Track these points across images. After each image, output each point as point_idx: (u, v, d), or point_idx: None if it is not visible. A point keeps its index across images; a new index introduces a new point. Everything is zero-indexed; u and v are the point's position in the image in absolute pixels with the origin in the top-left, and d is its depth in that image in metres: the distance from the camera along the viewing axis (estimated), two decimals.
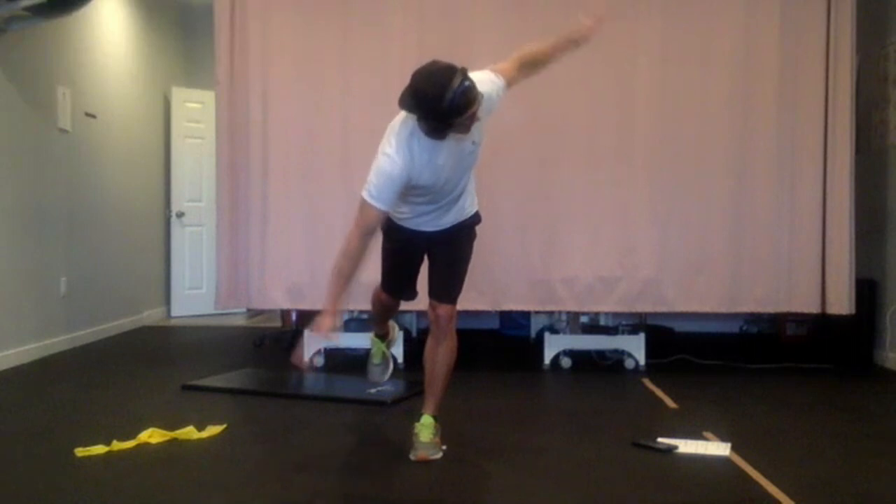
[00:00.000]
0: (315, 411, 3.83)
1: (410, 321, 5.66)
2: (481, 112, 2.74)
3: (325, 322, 2.74)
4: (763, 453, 3.12)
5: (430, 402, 3.14)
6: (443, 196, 2.99)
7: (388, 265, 3.25)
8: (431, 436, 3.06)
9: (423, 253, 3.19)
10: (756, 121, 4.85)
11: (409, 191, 2.88)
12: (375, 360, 3.62)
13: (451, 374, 3.15)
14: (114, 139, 6.45)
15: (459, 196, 3.06)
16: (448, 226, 3.11)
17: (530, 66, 3.10)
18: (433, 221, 3.08)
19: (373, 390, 4.02)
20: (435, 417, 3.11)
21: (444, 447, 3.07)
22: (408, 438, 3.12)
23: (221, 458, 3.06)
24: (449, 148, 2.81)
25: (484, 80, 2.86)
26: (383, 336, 3.57)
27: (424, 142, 2.77)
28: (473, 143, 2.90)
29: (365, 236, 2.82)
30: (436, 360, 3.12)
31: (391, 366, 3.65)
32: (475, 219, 3.20)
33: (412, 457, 3.00)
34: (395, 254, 3.20)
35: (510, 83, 3.01)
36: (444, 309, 3.10)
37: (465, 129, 2.73)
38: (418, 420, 3.12)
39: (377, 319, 3.56)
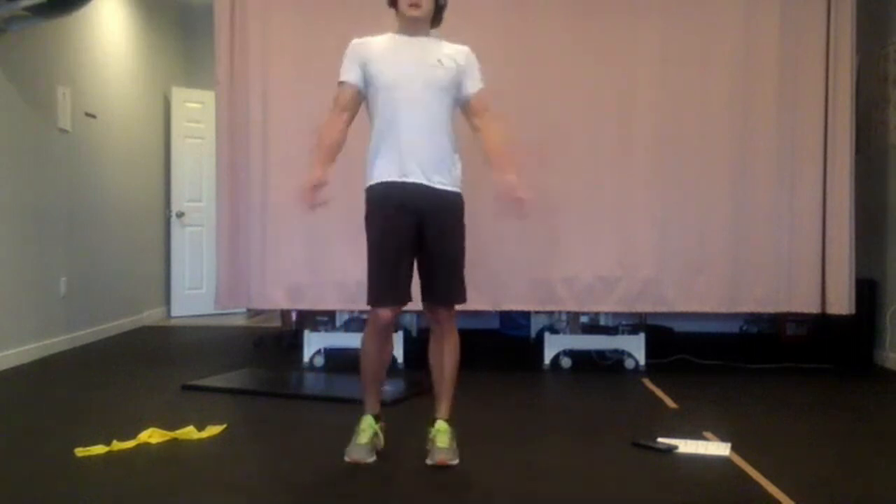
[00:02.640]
0: (315, 411, 3.83)
1: (410, 321, 5.66)
2: (452, 53, 2.99)
3: (305, 191, 2.93)
4: (763, 453, 3.13)
5: (444, 407, 3.09)
6: (410, 109, 2.92)
7: (375, 252, 2.96)
8: (449, 440, 3.01)
9: (412, 235, 2.96)
10: (756, 121, 4.85)
11: (375, 90, 2.98)
12: (362, 438, 3.02)
13: (459, 372, 3.12)
14: (114, 139, 6.45)
15: (433, 130, 2.94)
16: (431, 183, 2.94)
17: (475, 122, 3.09)
18: (407, 163, 2.92)
19: None
20: (449, 421, 3.07)
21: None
22: (407, 438, 3.12)
23: (221, 458, 3.06)
24: (410, 48, 2.99)
25: (470, 54, 3.05)
26: (377, 416, 3.11)
27: (387, 36, 3.04)
28: (439, 61, 2.96)
29: (340, 111, 3.02)
30: (443, 363, 3.07)
31: (379, 447, 3.08)
32: (461, 199, 3.05)
33: (430, 461, 2.95)
34: (382, 235, 2.96)
35: (473, 97, 3.05)
36: (445, 312, 3.06)
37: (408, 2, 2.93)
38: (432, 425, 3.06)
39: (368, 379, 3.11)
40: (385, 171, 2.98)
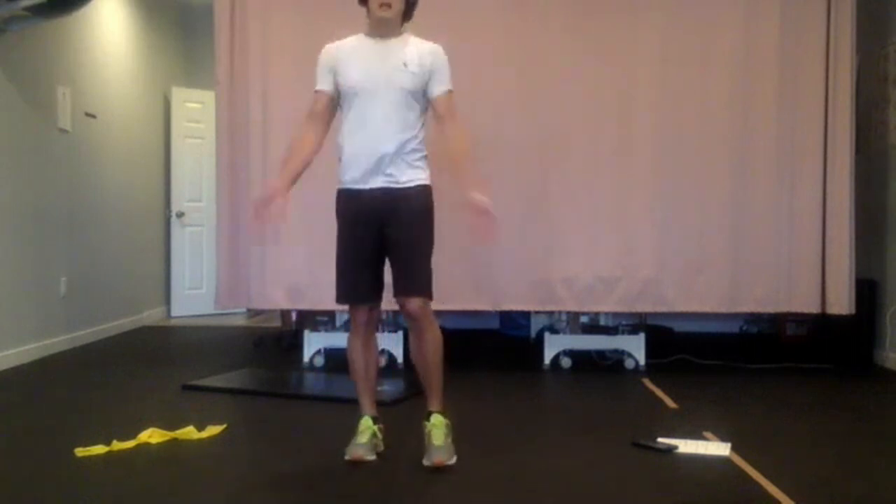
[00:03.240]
0: (315, 411, 3.83)
1: None
2: (415, 49, 2.97)
3: (259, 203, 2.97)
4: (763, 453, 3.13)
5: (434, 399, 3.06)
6: (373, 111, 2.94)
7: (341, 253, 3.06)
8: (444, 436, 2.98)
9: (375, 237, 3.00)
10: (756, 121, 4.85)
11: (343, 93, 3.01)
12: (361, 438, 3.04)
13: (444, 363, 3.07)
14: (114, 139, 6.45)
15: (398, 132, 2.95)
16: (391, 184, 2.96)
17: (439, 126, 3.06)
18: (373, 166, 2.95)
19: None
20: (443, 413, 3.05)
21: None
22: (407, 438, 3.12)
23: (221, 458, 3.06)
24: (377, 51, 3.00)
25: (439, 54, 3.02)
26: (375, 418, 3.12)
27: (356, 38, 3.06)
28: (405, 64, 2.96)
29: (313, 122, 3.06)
30: (425, 357, 3.03)
31: (378, 448, 3.09)
32: (425, 191, 3.04)
33: (426, 462, 2.92)
34: (346, 235, 3.05)
35: (436, 101, 3.02)
36: (413, 304, 2.97)
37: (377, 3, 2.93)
38: (427, 419, 3.03)
39: (358, 378, 3.14)
40: (349, 175, 3.03)
